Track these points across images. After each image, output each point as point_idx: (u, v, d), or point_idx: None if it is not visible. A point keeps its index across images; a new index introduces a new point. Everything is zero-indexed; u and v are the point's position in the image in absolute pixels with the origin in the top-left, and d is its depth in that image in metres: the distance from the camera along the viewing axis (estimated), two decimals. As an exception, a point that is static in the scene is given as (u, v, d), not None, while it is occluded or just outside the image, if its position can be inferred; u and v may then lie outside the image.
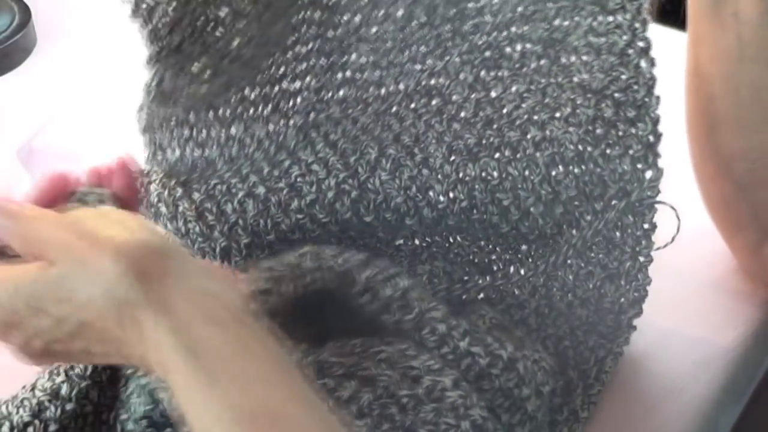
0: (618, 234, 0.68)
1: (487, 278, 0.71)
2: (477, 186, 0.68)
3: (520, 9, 0.66)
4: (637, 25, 0.64)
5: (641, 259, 0.69)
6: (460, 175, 0.68)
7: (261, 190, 0.70)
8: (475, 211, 0.69)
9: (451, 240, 0.74)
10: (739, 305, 0.76)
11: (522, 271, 0.71)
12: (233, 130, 0.73)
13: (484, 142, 0.68)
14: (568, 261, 0.70)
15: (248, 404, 0.46)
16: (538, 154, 0.68)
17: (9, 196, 0.78)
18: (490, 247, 0.73)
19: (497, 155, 0.68)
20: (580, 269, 0.71)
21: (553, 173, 0.67)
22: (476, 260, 0.73)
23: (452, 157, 0.69)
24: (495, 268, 0.73)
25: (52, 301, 0.49)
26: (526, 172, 0.68)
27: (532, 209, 0.68)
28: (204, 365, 0.47)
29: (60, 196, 0.61)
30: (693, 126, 0.73)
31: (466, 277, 0.72)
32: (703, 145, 0.73)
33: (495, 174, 0.68)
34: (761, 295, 0.76)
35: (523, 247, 0.72)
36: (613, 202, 0.67)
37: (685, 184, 0.75)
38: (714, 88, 0.68)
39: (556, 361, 0.68)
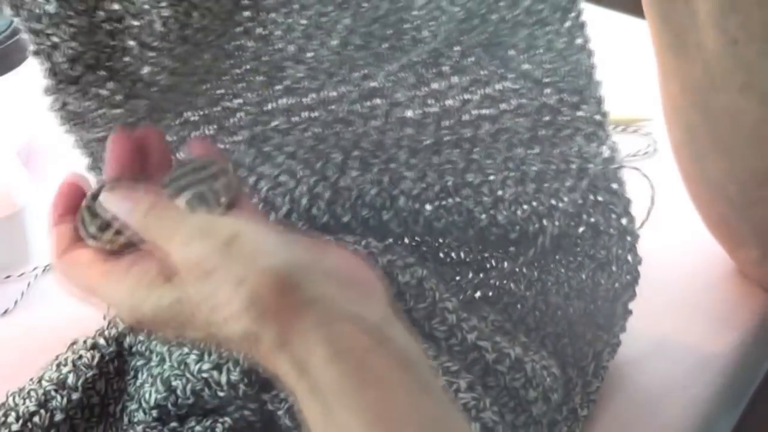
0: (601, 218, 0.69)
1: (480, 275, 0.72)
2: (446, 171, 0.69)
3: (458, 29, 0.66)
4: (575, 30, 0.64)
5: (628, 238, 0.69)
6: (427, 165, 0.69)
7: None
8: (450, 198, 0.70)
9: (441, 240, 0.74)
10: (738, 307, 0.76)
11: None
12: (181, 155, 0.73)
13: (440, 141, 0.69)
14: (557, 256, 0.70)
15: None
16: (495, 143, 0.69)
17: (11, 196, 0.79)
18: (480, 247, 0.73)
19: (457, 149, 0.69)
20: (570, 263, 0.71)
21: (515, 155, 0.69)
22: (467, 259, 0.74)
23: (416, 155, 0.70)
24: (488, 265, 0.73)
25: (182, 318, 0.49)
26: (488, 160, 0.69)
27: (506, 194, 0.69)
28: (324, 404, 0.46)
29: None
30: (679, 155, 0.73)
31: (458, 277, 0.72)
32: (693, 172, 0.73)
33: (460, 161, 0.69)
34: (761, 297, 0.77)
35: (511, 249, 0.72)
36: (583, 180, 0.68)
37: (682, 186, 0.76)
38: (691, 118, 0.68)
39: (556, 359, 0.68)
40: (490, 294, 0.71)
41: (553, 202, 0.69)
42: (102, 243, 0.55)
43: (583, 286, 0.70)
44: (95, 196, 0.57)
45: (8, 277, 0.79)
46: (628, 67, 0.93)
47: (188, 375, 0.61)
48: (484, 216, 0.69)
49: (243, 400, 0.61)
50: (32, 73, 0.94)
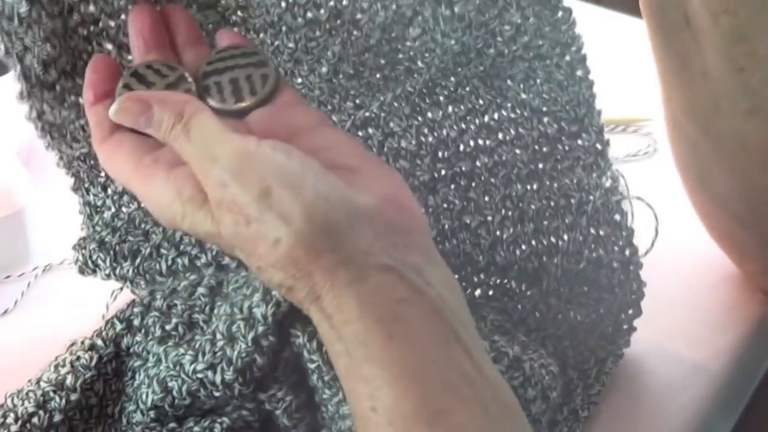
0: (603, 252, 0.68)
1: (481, 275, 0.71)
2: (442, 213, 0.68)
3: (454, 60, 0.65)
4: (575, 63, 0.63)
5: (631, 268, 0.69)
6: (424, 207, 0.68)
7: None
8: (446, 242, 0.68)
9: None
10: (738, 306, 0.76)
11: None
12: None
13: (437, 176, 0.68)
14: (561, 288, 0.70)
15: (393, 406, 0.45)
16: (493, 179, 0.67)
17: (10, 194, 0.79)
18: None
19: (453, 186, 0.68)
20: (571, 285, 0.71)
21: (513, 192, 0.67)
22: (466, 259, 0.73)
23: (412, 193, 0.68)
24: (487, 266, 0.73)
25: (219, 245, 0.50)
26: (486, 197, 0.68)
27: (504, 234, 0.68)
28: (350, 355, 0.46)
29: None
30: (684, 172, 0.73)
31: (456, 276, 0.72)
32: (698, 189, 0.73)
33: (457, 202, 0.68)
34: (759, 298, 0.77)
35: (511, 284, 0.71)
36: (583, 216, 0.67)
37: (682, 188, 0.75)
38: (696, 139, 0.68)
39: (556, 360, 0.68)
40: (490, 293, 0.71)
41: (553, 239, 0.68)
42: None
43: (587, 299, 0.70)
44: (132, 75, 0.55)
45: (8, 277, 0.79)
46: (628, 67, 0.92)
47: (183, 376, 0.61)
48: (481, 257, 0.68)
49: (240, 400, 0.61)
50: (32, 73, 0.95)
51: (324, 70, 0.66)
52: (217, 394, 0.61)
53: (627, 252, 0.68)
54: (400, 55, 0.65)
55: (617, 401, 0.69)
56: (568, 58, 0.63)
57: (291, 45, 0.66)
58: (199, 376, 0.60)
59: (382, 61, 0.66)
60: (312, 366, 0.60)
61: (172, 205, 0.50)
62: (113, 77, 0.55)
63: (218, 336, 0.61)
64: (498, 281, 0.71)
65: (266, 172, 0.48)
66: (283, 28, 0.65)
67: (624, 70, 0.93)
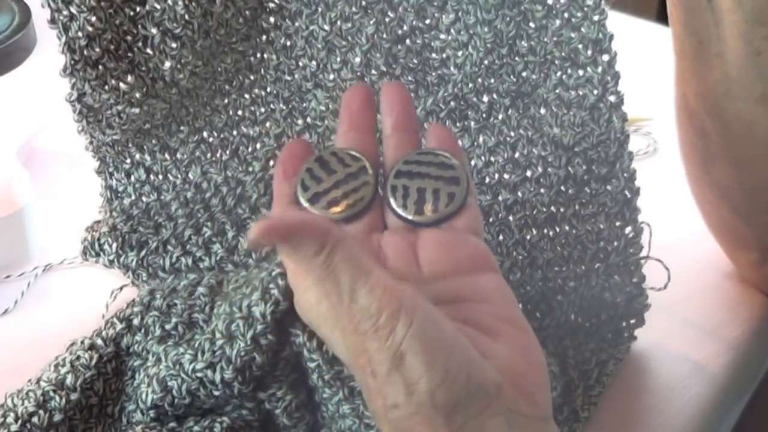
0: (608, 294, 0.68)
1: None
2: None
3: (486, 62, 0.64)
4: (608, 79, 0.62)
5: (637, 306, 0.69)
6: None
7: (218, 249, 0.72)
8: None
9: None
10: (739, 305, 0.76)
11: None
12: (191, 175, 0.73)
13: None
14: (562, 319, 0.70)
15: None
16: (510, 218, 0.67)
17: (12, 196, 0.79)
18: None
19: None
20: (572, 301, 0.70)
21: (528, 237, 0.67)
22: None
23: None
24: None
25: None
26: (500, 237, 0.67)
27: (510, 277, 0.67)
28: None
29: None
30: (687, 158, 0.73)
31: None
32: (699, 175, 0.73)
33: None
34: (760, 298, 0.77)
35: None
36: (596, 265, 0.67)
37: (685, 184, 0.75)
38: (704, 124, 0.68)
39: (557, 360, 0.68)
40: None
41: (560, 282, 0.68)
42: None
43: (589, 304, 0.70)
44: (317, 160, 0.55)
45: (8, 277, 0.79)
46: (628, 67, 0.92)
47: (183, 375, 0.61)
48: None
49: (239, 399, 0.61)
50: (32, 72, 0.95)
51: (357, 60, 0.65)
52: (216, 393, 0.61)
53: (634, 292, 0.68)
54: (433, 54, 0.65)
55: (617, 401, 0.69)
56: (599, 70, 0.62)
57: (326, 27, 0.66)
58: (199, 375, 0.60)
59: (414, 61, 0.65)
60: (312, 365, 0.60)
61: (311, 312, 0.49)
62: (304, 158, 0.56)
63: (217, 335, 0.61)
64: None
65: (405, 332, 0.45)
66: (320, 8, 0.65)
67: (624, 70, 0.93)
